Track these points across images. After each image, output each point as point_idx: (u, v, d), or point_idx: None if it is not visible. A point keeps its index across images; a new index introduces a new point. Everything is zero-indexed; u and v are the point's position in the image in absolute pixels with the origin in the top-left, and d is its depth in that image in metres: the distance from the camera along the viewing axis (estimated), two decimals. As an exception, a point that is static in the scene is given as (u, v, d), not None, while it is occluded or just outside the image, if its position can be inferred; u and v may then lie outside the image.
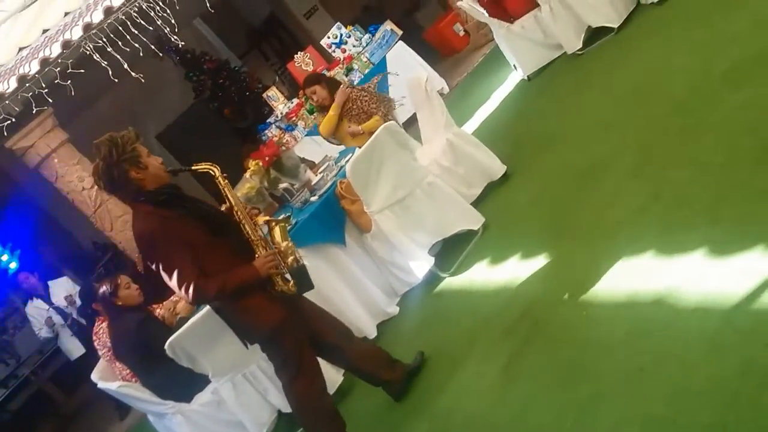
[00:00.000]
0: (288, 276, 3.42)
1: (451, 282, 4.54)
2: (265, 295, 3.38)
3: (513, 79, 7.20)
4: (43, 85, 7.39)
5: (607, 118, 4.73)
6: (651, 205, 3.48)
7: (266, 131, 8.84)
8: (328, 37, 9.30)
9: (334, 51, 9.31)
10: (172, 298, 5.36)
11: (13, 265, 9.80)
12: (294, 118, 8.77)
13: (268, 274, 3.33)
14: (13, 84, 7.35)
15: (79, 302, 8.41)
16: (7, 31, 7.07)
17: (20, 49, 7.26)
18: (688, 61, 4.44)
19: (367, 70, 9.08)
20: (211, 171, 3.37)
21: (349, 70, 9.06)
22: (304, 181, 5.17)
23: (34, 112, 7.37)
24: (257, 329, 3.44)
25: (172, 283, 3.24)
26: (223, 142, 9.92)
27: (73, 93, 7.54)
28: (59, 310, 8.32)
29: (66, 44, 7.51)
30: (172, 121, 10.63)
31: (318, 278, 4.46)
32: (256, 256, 3.36)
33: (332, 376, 4.27)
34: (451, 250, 4.77)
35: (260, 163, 5.04)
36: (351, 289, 4.64)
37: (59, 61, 7.50)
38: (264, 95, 9.17)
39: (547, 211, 4.32)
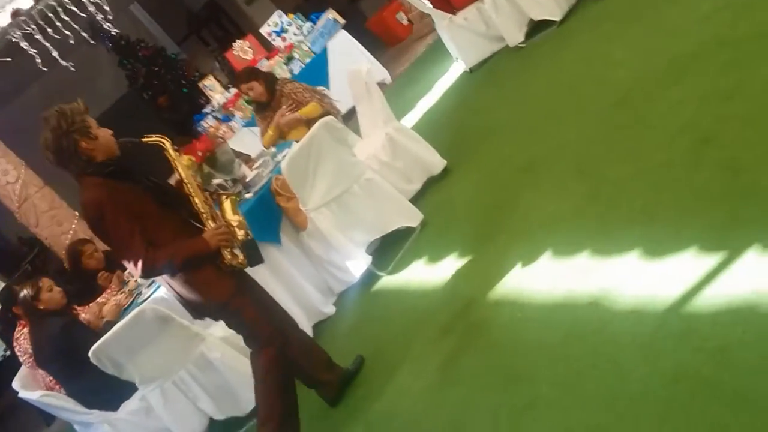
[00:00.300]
0: (237, 250, 3.36)
1: (388, 281, 4.44)
2: (215, 268, 3.32)
3: (456, 70, 7.12)
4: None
5: (548, 112, 4.69)
6: (589, 203, 3.44)
7: (202, 122, 8.60)
8: (269, 25, 9.09)
9: (274, 39, 9.10)
10: (98, 299, 5.16)
11: None
12: (231, 109, 8.55)
13: (218, 247, 3.27)
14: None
15: None
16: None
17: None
18: (627, 56, 4.41)
19: (307, 59, 8.92)
20: (160, 143, 3.32)
21: (289, 59, 8.88)
22: (239, 177, 4.99)
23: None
24: (208, 302, 3.36)
25: (121, 253, 3.22)
26: (157, 133, 9.66)
27: (-4, 81, 7.23)
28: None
29: (-10, 30, 7.19)
30: (104, 110, 10.21)
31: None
32: (205, 229, 3.31)
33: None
34: (389, 248, 4.67)
35: (192, 159, 4.84)
36: (286, 289, 4.48)
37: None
38: (201, 84, 8.92)
39: (485, 208, 4.26)
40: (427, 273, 4.17)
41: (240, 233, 3.36)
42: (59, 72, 8.08)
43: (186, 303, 3.45)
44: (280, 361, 3.47)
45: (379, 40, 10.49)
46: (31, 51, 7.30)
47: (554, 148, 4.17)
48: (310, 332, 4.50)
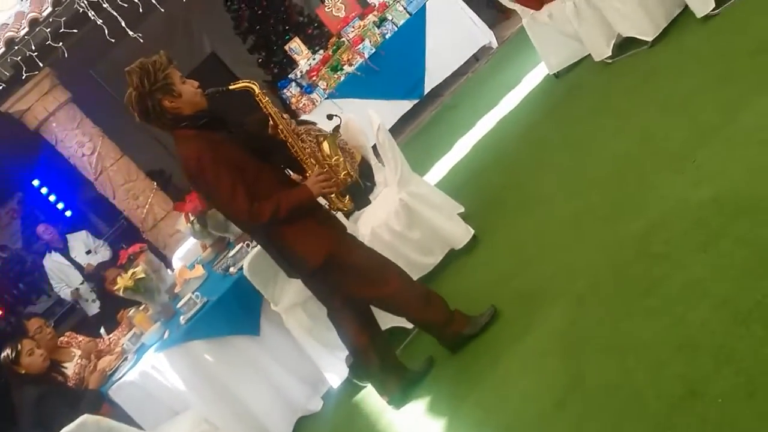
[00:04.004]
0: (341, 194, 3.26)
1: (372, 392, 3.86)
2: (313, 222, 3.21)
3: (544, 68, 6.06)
4: (33, 47, 6.94)
5: (583, 206, 3.76)
6: (555, 413, 2.67)
7: (286, 90, 8.05)
8: (363, -20, 8.23)
9: (369, -4, 8.26)
10: (99, 344, 4.99)
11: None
12: (315, 78, 7.92)
13: (321, 194, 3.18)
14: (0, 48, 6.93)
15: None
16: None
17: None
18: (707, 161, 3.26)
19: (402, 21, 8.05)
20: (249, 88, 3.12)
21: (382, 21, 8.04)
22: (238, 235, 4.51)
23: (24, 77, 6.96)
24: (307, 259, 3.21)
25: (224, 209, 3.24)
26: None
27: (66, 55, 7.05)
28: (77, 265, 8.16)
29: (56, 2, 6.95)
30: (202, 60, 9.79)
31: (221, 376, 3.97)
32: (307, 174, 3.20)
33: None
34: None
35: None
36: (264, 383, 4.06)
37: (50, 20, 6.99)
38: (286, 47, 8.31)
39: (475, 343, 3.51)
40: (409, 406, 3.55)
41: (342, 175, 3.23)
42: (157, 19, 7.79)
43: (283, 262, 3.34)
44: (408, 286, 3.43)
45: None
46: (99, 21, 7.01)
47: (561, 277, 3.37)
48: (290, 430, 4.10)
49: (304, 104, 7.83)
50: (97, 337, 5.28)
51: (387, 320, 3.91)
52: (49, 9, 6.91)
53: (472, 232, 4.33)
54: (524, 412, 2.83)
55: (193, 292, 4.16)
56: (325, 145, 3.28)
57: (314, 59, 8.07)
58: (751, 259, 2.56)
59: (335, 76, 7.91)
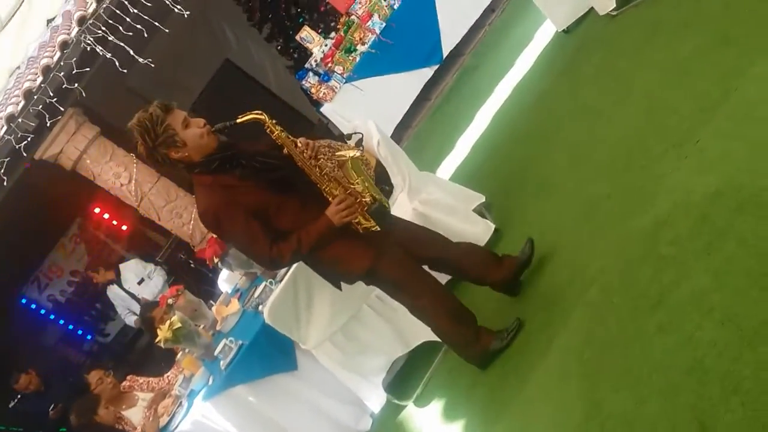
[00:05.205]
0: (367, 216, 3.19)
1: (415, 412, 3.88)
2: (347, 240, 3.18)
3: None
4: (51, 93, 7.06)
5: (596, 193, 3.63)
6: None
7: (304, 81, 7.96)
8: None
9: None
10: (159, 383, 5.16)
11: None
12: (330, 64, 7.79)
13: (343, 223, 3.10)
14: (21, 101, 7.08)
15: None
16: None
17: (13, 71, 6.85)
18: (719, 136, 3.14)
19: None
20: (258, 119, 3.02)
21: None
22: (263, 270, 4.53)
23: (48, 124, 7.11)
24: (349, 275, 3.31)
25: (246, 254, 3.41)
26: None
27: (84, 94, 7.15)
28: (132, 296, 8.43)
29: (63, 45, 7.04)
30: (216, 69, 9.58)
31: (269, 415, 4.07)
32: (330, 200, 3.13)
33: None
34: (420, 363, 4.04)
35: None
36: (312, 414, 4.12)
37: (61, 64, 7.07)
38: (297, 37, 8.17)
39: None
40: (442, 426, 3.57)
41: (367, 198, 3.15)
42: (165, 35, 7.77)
43: (326, 278, 3.38)
44: (435, 308, 3.35)
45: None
46: (108, 55, 7.07)
47: (575, 281, 3.29)
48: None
49: (324, 93, 7.74)
50: (158, 375, 5.45)
51: (421, 335, 3.92)
52: (59, 54, 6.99)
53: (493, 227, 4.24)
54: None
55: (227, 338, 4.22)
56: (347, 168, 3.18)
57: (326, 45, 7.92)
58: (754, 266, 2.42)
59: (350, 57, 7.78)
